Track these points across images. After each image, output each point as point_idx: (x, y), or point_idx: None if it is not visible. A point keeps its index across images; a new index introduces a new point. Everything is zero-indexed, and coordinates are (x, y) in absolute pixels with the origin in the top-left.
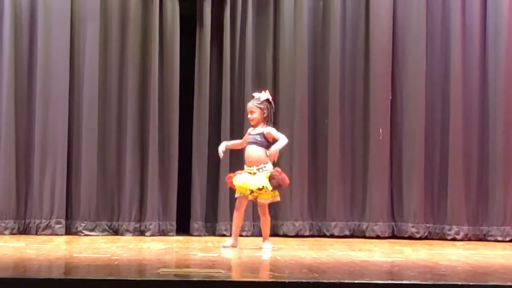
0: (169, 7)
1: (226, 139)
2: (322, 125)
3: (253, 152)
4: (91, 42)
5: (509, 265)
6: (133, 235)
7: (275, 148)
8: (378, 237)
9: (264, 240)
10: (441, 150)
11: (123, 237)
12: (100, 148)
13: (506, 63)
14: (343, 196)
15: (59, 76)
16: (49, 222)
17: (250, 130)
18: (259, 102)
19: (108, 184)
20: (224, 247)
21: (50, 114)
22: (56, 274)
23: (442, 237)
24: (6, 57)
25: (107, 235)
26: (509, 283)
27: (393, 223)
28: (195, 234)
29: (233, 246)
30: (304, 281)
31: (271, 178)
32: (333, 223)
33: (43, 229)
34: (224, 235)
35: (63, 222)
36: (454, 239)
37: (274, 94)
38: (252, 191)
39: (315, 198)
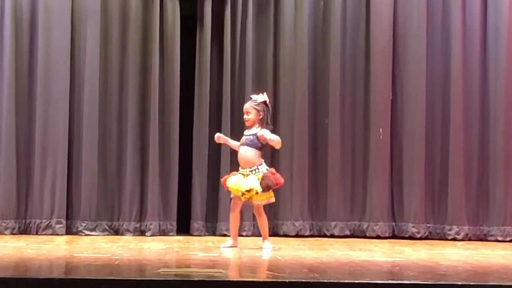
0: (169, 7)
1: None
2: (322, 124)
3: (245, 154)
4: (91, 42)
5: (510, 265)
6: (133, 235)
7: (268, 137)
8: (378, 237)
9: (263, 239)
10: (442, 150)
11: (124, 237)
12: (101, 148)
13: (507, 62)
14: (344, 196)
15: (60, 76)
16: (50, 222)
17: (245, 131)
18: (256, 103)
19: (108, 184)
20: (224, 247)
21: (51, 114)
22: (57, 274)
23: (443, 237)
24: (7, 57)
25: (107, 235)
26: (509, 283)
27: (394, 223)
28: (195, 234)
29: (233, 246)
30: (304, 281)
31: (262, 179)
32: (333, 223)
33: (44, 229)
34: (224, 235)
35: (64, 222)
36: (454, 239)
37: (275, 93)
38: (243, 193)
39: (315, 198)
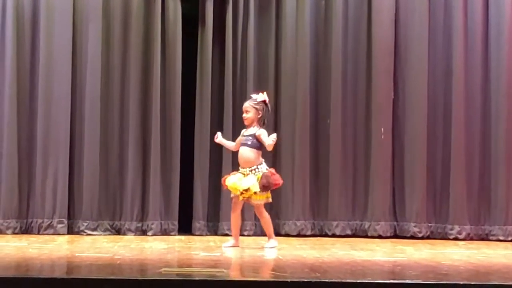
0: (171, 7)
1: (227, 139)
2: (324, 124)
3: (245, 154)
4: (93, 42)
5: (511, 265)
6: (135, 235)
7: (264, 139)
8: (380, 237)
9: (268, 238)
10: (443, 149)
11: (125, 237)
12: (102, 148)
13: (508, 61)
14: (345, 196)
15: (61, 76)
16: (51, 222)
17: (244, 131)
18: (255, 102)
19: (110, 184)
20: (225, 247)
21: (52, 114)
22: (58, 274)
23: (444, 237)
24: (9, 56)
25: (109, 234)
26: (511, 283)
27: (395, 223)
28: (197, 233)
29: (235, 246)
30: (306, 280)
31: (260, 179)
32: (335, 223)
33: (45, 229)
34: (226, 235)
35: (65, 221)
36: (456, 239)
37: (276, 93)
38: (241, 192)
39: (317, 197)
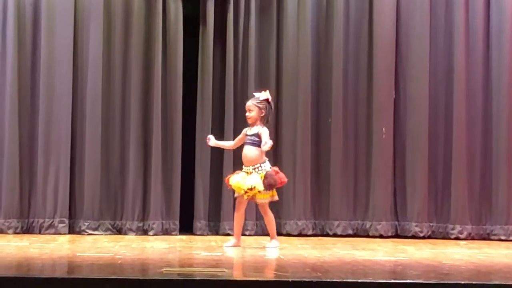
0: (172, 7)
1: (229, 139)
2: (325, 123)
3: (249, 152)
4: (94, 41)
5: None
6: (136, 234)
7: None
8: (381, 236)
9: (271, 238)
10: (445, 149)
11: (126, 236)
12: (104, 147)
13: (510, 60)
14: (346, 195)
15: (63, 75)
16: (53, 221)
17: (247, 130)
18: (258, 101)
19: (111, 183)
20: (227, 247)
21: (54, 113)
22: (59, 273)
23: (446, 236)
24: (10, 55)
25: (110, 234)
26: None
27: (397, 222)
28: (198, 233)
29: (236, 245)
30: (307, 280)
31: (264, 178)
32: (336, 222)
33: (47, 228)
34: (227, 234)
35: (66, 221)
36: (457, 238)
37: (278, 93)
38: (246, 191)
39: (318, 197)
